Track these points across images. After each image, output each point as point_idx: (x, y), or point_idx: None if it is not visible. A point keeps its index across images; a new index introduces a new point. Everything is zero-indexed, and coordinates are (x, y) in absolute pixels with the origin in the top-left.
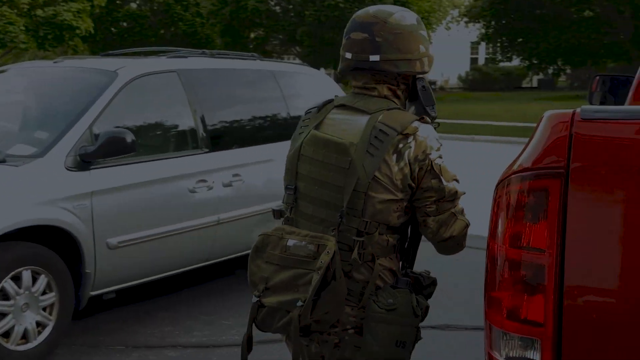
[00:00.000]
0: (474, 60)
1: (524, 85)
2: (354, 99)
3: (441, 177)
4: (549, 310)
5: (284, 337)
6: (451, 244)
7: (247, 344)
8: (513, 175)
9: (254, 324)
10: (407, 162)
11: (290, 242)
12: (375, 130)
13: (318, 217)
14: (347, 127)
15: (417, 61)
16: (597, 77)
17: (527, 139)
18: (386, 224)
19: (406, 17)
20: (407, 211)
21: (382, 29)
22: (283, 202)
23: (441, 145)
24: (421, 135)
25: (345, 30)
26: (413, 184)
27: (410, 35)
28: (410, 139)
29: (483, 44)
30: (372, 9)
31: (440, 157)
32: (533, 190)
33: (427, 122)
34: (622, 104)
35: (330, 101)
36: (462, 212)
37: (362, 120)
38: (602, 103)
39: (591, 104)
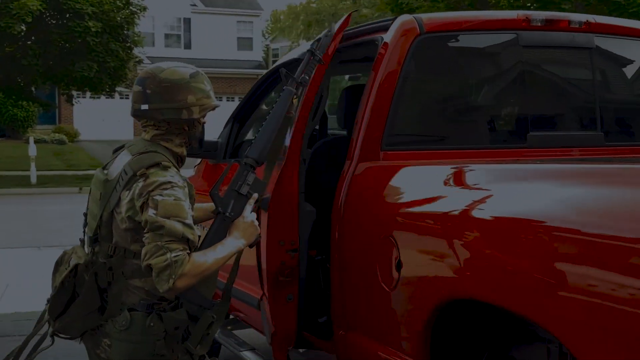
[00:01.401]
0: None
1: None
2: (130, 142)
3: (154, 207)
4: None
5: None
6: (163, 275)
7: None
8: None
9: None
10: (128, 199)
11: (67, 256)
12: (127, 166)
13: (88, 238)
14: (113, 166)
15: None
16: None
17: None
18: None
19: (178, 71)
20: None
21: (152, 82)
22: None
23: (174, 185)
24: (151, 177)
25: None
26: (138, 218)
27: (178, 87)
28: (139, 180)
29: None
30: (156, 66)
31: (162, 195)
32: None
33: (165, 167)
34: None
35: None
36: (174, 251)
37: (125, 159)
38: None
39: None
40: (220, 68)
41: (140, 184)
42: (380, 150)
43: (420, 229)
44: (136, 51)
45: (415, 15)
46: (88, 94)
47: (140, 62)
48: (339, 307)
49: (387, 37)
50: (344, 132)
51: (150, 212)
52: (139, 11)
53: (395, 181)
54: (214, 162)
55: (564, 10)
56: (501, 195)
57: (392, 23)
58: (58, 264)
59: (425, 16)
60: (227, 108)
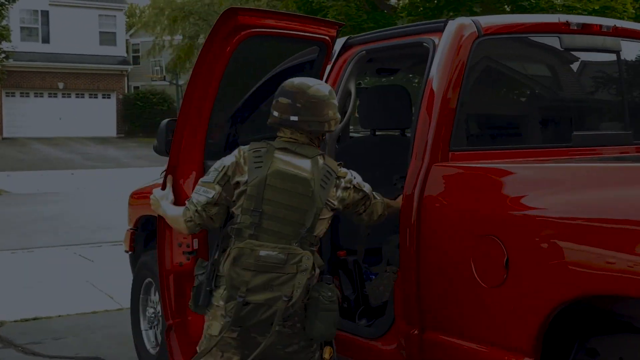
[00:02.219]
0: None
1: None
2: (290, 145)
3: (362, 188)
4: None
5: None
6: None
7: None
8: None
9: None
10: (340, 195)
11: (263, 253)
12: (324, 170)
13: (282, 233)
14: (297, 166)
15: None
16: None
17: None
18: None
19: (321, 89)
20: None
21: (301, 97)
22: (240, 223)
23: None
24: (347, 175)
25: (276, 94)
26: (341, 206)
27: (323, 103)
28: (342, 180)
29: None
30: (302, 80)
31: (354, 178)
32: None
33: (343, 166)
34: None
35: (263, 144)
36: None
37: (306, 161)
38: None
39: None
40: (81, 63)
41: (342, 181)
42: (449, 150)
43: (536, 228)
44: (4, 45)
45: (471, 18)
46: None
47: (7, 57)
48: (410, 307)
49: (446, 39)
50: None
51: (359, 192)
52: (6, 2)
53: (489, 181)
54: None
55: (475, 13)
56: (613, 194)
57: (444, 25)
58: (236, 259)
59: (481, 19)
60: (88, 104)
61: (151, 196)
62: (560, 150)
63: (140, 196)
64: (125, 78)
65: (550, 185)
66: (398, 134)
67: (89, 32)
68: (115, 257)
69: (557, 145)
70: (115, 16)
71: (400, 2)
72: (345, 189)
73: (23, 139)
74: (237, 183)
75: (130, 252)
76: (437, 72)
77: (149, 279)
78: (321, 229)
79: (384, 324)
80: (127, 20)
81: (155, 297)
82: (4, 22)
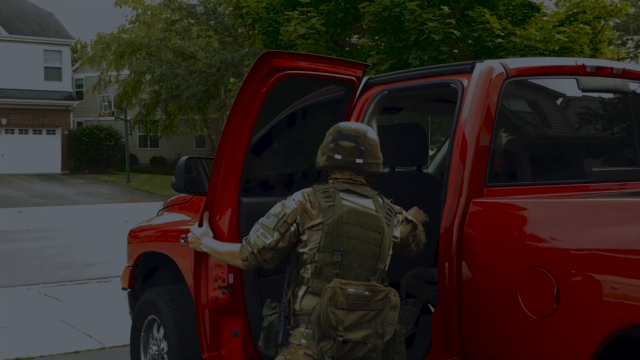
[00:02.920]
0: None
1: None
2: (351, 186)
3: (414, 221)
4: None
5: None
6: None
7: None
8: None
9: None
10: (400, 229)
11: (351, 290)
12: (385, 208)
13: (361, 270)
14: (362, 204)
15: (381, 164)
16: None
17: None
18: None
19: (374, 133)
20: None
21: (364, 141)
22: (318, 261)
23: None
24: (403, 212)
25: (331, 138)
26: (400, 240)
27: (378, 147)
28: (399, 215)
29: None
30: (359, 125)
31: (403, 211)
32: None
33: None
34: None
35: (328, 185)
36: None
37: (369, 201)
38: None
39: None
40: (25, 99)
41: (399, 217)
42: (484, 186)
43: (585, 260)
44: None
45: (499, 60)
46: None
47: None
48: (451, 338)
49: (476, 80)
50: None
51: (410, 224)
52: None
53: (533, 215)
54: None
55: (442, 52)
56: None
57: (472, 68)
58: (331, 299)
59: (508, 62)
60: (31, 140)
61: (190, 234)
62: (580, 186)
63: (141, 233)
64: (71, 114)
65: (594, 218)
66: (415, 169)
67: (34, 67)
68: (82, 295)
69: (577, 181)
70: (61, 51)
71: (361, 41)
72: (401, 222)
73: None
74: (311, 227)
75: (128, 290)
76: (469, 112)
77: (152, 316)
78: (387, 264)
79: (417, 355)
80: (74, 55)
81: (159, 334)
82: None
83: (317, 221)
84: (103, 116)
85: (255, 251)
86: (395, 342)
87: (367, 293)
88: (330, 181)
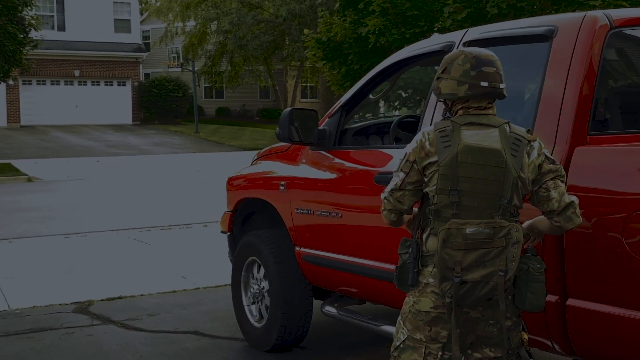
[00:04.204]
0: None
1: None
2: (476, 118)
3: (555, 161)
4: None
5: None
6: (571, 209)
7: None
8: None
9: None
10: (532, 160)
11: (469, 230)
12: (512, 138)
13: (482, 207)
14: (485, 138)
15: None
16: None
17: None
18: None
19: None
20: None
21: (500, 66)
22: (437, 203)
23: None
24: (537, 140)
25: (470, 65)
26: (535, 175)
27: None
28: (533, 143)
29: None
30: (488, 52)
31: (544, 148)
32: None
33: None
34: None
35: (447, 122)
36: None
37: (494, 131)
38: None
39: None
40: (97, 51)
41: (535, 147)
42: (587, 135)
43: None
44: (32, 34)
45: (602, 11)
46: None
47: (36, 45)
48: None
49: (579, 30)
50: None
51: (552, 164)
52: None
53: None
54: (317, 150)
55: (594, 7)
56: None
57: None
58: (445, 240)
59: (612, 12)
60: (103, 92)
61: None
62: None
63: (240, 181)
64: (140, 65)
65: None
66: None
67: (104, 20)
68: (168, 240)
69: None
70: (129, 3)
71: None
72: (538, 155)
73: (41, 127)
74: (428, 165)
75: (228, 233)
76: (573, 62)
77: (252, 258)
78: (516, 200)
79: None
80: (141, 7)
81: (259, 274)
82: (32, 12)
83: (433, 159)
84: (171, 67)
85: (386, 194)
86: (529, 280)
87: (487, 231)
88: (460, 112)
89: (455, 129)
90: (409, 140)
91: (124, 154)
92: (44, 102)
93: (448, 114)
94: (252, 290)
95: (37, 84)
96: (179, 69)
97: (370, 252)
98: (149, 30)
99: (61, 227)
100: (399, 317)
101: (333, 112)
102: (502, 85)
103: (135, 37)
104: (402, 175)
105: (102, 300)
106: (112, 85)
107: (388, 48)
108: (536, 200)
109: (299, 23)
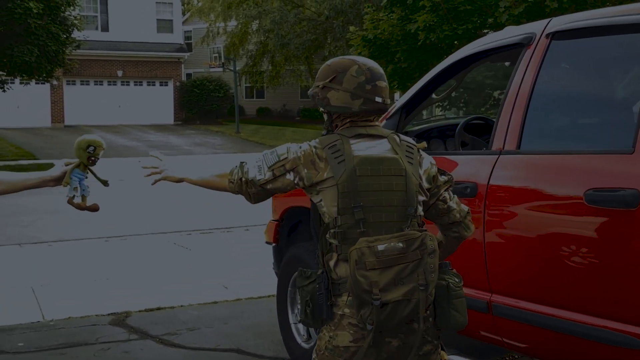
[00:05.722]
0: None
1: None
2: (364, 129)
3: (445, 171)
4: None
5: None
6: (468, 216)
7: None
8: None
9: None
10: (425, 170)
11: (380, 247)
12: (404, 146)
13: (390, 221)
14: (378, 148)
15: None
16: None
17: None
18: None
19: None
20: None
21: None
22: (341, 225)
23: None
24: (431, 160)
25: (365, 78)
26: (430, 184)
27: None
28: (421, 152)
29: None
30: (376, 63)
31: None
32: None
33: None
34: None
35: (334, 136)
36: None
37: (384, 141)
38: None
39: None
40: (139, 51)
41: (423, 155)
42: None
43: None
44: (75, 34)
45: None
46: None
47: (78, 46)
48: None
49: None
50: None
51: (444, 174)
52: None
53: None
54: None
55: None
56: None
57: None
58: (358, 262)
59: None
60: (146, 92)
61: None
62: None
63: None
64: (182, 65)
65: None
66: None
67: (146, 20)
68: (209, 244)
69: None
70: (172, 3)
71: None
72: (431, 165)
73: (84, 127)
74: (318, 182)
75: (273, 244)
76: None
77: None
78: (420, 210)
79: None
80: (183, 7)
81: None
82: (75, 12)
83: (326, 176)
84: (213, 67)
85: (243, 179)
86: (450, 297)
87: (400, 245)
88: (347, 124)
89: (344, 142)
90: (477, 145)
91: (166, 154)
92: (87, 102)
93: (325, 133)
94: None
95: (81, 84)
96: (221, 69)
97: None
98: (190, 31)
99: (101, 230)
100: (314, 354)
101: (391, 113)
102: (388, 101)
103: (177, 37)
104: (269, 175)
105: (140, 311)
106: (154, 85)
107: (438, 45)
108: (435, 213)
109: (342, 20)
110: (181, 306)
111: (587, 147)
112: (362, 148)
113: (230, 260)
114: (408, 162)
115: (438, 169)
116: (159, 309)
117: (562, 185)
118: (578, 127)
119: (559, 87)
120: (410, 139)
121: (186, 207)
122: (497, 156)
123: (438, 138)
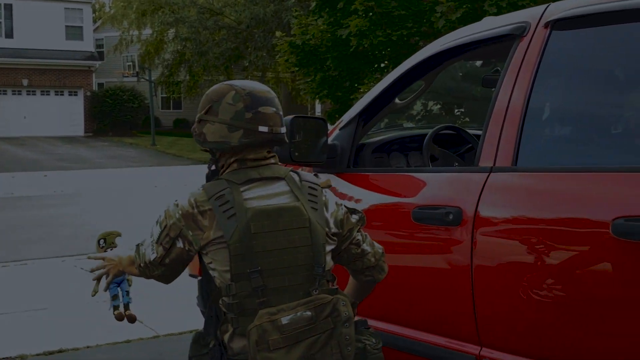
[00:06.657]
0: None
1: None
2: (256, 171)
3: (355, 209)
4: None
5: None
6: (383, 257)
7: None
8: None
9: None
10: (332, 212)
11: (285, 320)
12: (306, 188)
13: (294, 285)
14: (275, 195)
15: None
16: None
17: None
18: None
19: None
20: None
21: (279, 104)
22: (236, 294)
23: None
24: (336, 200)
25: (244, 105)
26: (340, 229)
27: None
28: (324, 191)
29: None
30: (262, 86)
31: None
32: None
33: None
34: None
35: (221, 184)
36: None
37: (282, 184)
38: None
39: None
40: (47, 59)
41: (328, 195)
42: None
43: None
44: None
45: None
46: None
47: None
48: None
49: None
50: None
51: (355, 214)
52: None
53: None
54: (325, 173)
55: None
56: None
57: None
58: (259, 342)
59: None
60: (53, 102)
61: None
62: None
63: None
64: (93, 74)
65: None
66: None
67: (54, 26)
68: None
69: None
70: (82, 9)
71: None
72: (337, 207)
73: None
74: (206, 245)
75: (199, 278)
76: None
77: None
78: (330, 262)
79: None
80: (94, 15)
81: None
82: None
83: (213, 235)
84: (127, 77)
85: (142, 264)
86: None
87: (308, 313)
88: (234, 165)
89: (234, 191)
90: (450, 160)
91: (75, 167)
92: None
93: (214, 168)
94: None
95: None
96: (135, 79)
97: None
98: (102, 39)
99: (1, 253)
100: None
101: (346, 121)
102: (283, 130)
103: (88, 45)
104: (161, 251)
105: (38, 354)
106: (62, 95)
107: (371, 52)
108: (347, 258)
109: (264, 30)
110: (87, 347)
111: (609, 162)
112: (255, 196)
113: (142, 288)
114: (312, 207)
115: (347, 207)
116: (60, 351)
117: (578, 210)
118: (594, 137)
119: (564, 87)
120: (312, 177)
121: (96, 226)
122: (487, 174)
123: (398, 151)
